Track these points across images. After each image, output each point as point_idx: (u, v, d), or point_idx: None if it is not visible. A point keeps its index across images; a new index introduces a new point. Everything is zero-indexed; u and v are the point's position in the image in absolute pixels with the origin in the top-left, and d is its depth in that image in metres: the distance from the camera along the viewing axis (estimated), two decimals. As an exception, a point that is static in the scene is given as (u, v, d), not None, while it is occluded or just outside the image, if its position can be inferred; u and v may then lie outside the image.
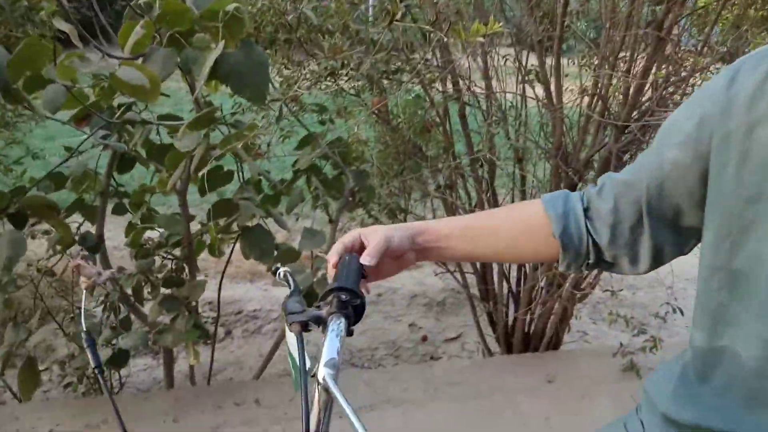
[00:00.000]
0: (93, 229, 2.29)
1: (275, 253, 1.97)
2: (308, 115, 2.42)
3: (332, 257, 0.86)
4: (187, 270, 2.22)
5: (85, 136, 1.93)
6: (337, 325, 0.72)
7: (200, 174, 1.62)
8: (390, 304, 3.69)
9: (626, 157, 2.27)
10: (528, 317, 2.63)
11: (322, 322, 0.75)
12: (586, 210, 0.83)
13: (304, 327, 0.74)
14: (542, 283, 2.51)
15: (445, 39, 1.99)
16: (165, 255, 2.15)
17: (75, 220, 2.36)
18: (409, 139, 2.41)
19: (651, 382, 0.85)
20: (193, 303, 2.17)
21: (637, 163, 0.82)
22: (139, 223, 2.05)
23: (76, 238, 2.30)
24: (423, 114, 2.37)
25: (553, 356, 2.66)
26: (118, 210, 2.42)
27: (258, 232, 1.94)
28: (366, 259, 0.83)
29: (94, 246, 2.32)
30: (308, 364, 0.72)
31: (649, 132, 2.16)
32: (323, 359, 0.67)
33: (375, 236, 0.86)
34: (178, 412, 2.21)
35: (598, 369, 2.54)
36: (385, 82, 2.24)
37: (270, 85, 1.67)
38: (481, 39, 1.52)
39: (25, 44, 1.35)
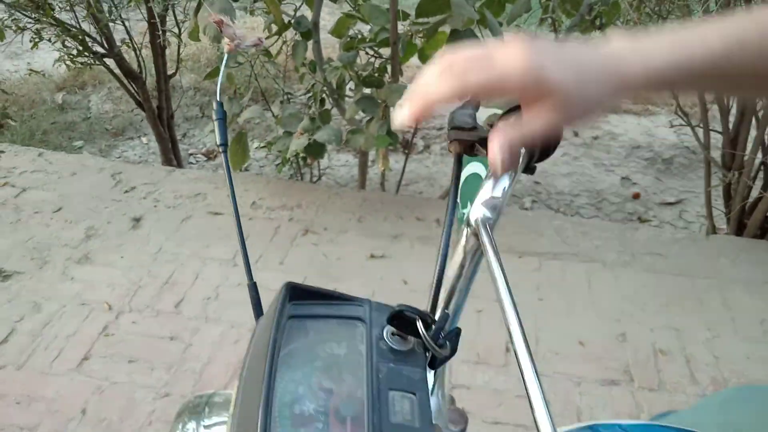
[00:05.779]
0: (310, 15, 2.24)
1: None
2: None
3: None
4: (390, 72, 2.09)
5: None
6: None
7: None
8: (605, 150, 3.28)
9: None
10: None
11: None
12: None
13: (468, 149, 0.55)
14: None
15: None
16: (370, 51, 2.03)
17: (292, 2, 2.32)
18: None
19: None
20: (391, 108, 2.07)
21: None
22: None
23: (291, 21, 2.27)
24: None
25: (796, 252, 2.16)
26: (336, -3, 2.33)
27: (467, 39, 1.69)
28: None
29: (307, 32, 2.28)
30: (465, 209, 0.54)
31: None
32: (482, 195, 0.49)
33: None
34: (363, 214, 2.26)
35: None
36: None
37: None
38: None
39: None
